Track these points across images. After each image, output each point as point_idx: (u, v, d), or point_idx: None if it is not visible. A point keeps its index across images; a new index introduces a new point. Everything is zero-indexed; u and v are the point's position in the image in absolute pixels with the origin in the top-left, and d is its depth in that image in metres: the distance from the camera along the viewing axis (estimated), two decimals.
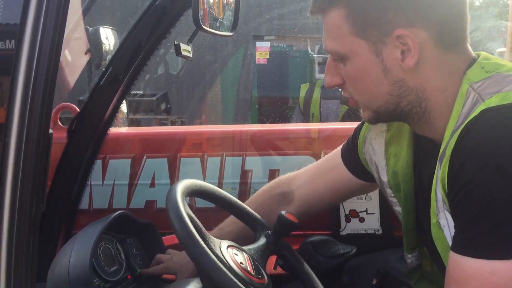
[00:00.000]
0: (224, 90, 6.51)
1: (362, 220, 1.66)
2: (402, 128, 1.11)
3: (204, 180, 1.16)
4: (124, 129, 2.02)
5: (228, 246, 1.03)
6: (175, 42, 1.36)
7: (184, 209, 0.95)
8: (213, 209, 1.42)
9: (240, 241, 1.11)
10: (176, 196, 0.97)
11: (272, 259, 1.54)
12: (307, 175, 1.35)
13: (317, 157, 1.69)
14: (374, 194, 1.63)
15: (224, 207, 1.17)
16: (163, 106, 5.52)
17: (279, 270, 1.39)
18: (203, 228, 1.00)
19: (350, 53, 0.95)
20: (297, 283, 1.37)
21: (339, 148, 1.30)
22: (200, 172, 1.75)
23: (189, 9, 1.29)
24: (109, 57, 1.85)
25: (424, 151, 1.06)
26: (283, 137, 1.80)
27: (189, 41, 1.46)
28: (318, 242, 1.40)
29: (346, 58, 0.96)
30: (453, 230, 0.88)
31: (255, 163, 1.76)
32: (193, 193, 1.08)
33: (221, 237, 1.06)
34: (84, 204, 1.72)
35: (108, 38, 2.23)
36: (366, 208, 1.65)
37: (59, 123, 1.72)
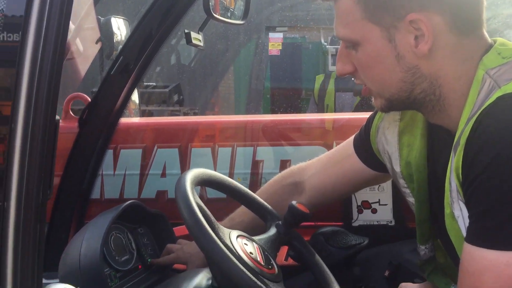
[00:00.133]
0: (237, 81, 6.49)
1: (374, 211, 1.64)
2: (416, 117, 1.08)
3: (215, 171, 1.15)
4: (135, 119, 2.02)
5: (238, 236, 1.02)
6: (186, 31, 1.35)
7: (193, 198, 0.95)
8: (224, 200, 1.41)
9: (251, 231, 1.10)
10: (185, 185, 0.96)
11: (284, 250, 1.53)
12: (319, 165, 1.33)
13: (329, 147, 1.67)
14: (387, 185, 1.61)
15: (234, 197, 1.16)
16: (175, 97, 5.53)
17: (290, 261, 1.38)
18: (212, 218, 0.99)
19: (362, 39, 0.93)
20: (308, 274, 1.36)
21: (351, 138, 1.28)
22: (211, 162, 1.74)
23: None
24: (120, 47, 1.85)
25: (438, 141, 1.04)
26: (295, 127, 1.79)
27: (200, 30, 1.44)
28: (329, 233, 1.38)
29: (358, 44, 0.94)
30: (467, 221, 0.86)
31: (267, 154, 1.75)
32: (202, 183, 1.07)
33: (232, 227, 1.05)
34: (95, 194, 1.72)
35: (120, 28, 2.23)
36: (379, 199, 1.63)
37: (71, 113, 1.73)
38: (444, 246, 1.11)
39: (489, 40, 0.95)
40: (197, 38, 1.39)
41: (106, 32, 1.97)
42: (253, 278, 0.88)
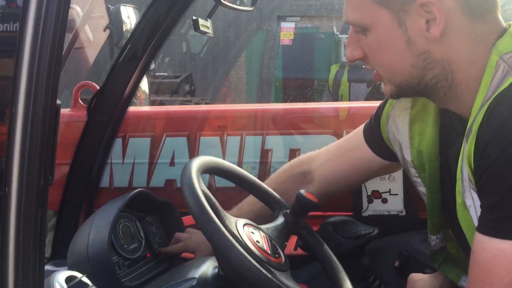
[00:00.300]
0: (248, 71, 6.47)
1: (385, 201, 1.62)
2: (428, 104, 1.05)
3: (224, 160, 1.14)
4: (143, 108, 2.01)
5: (244, 224, 1.01)
6: (194, 17, 1.33)
7: (198, 186, 0.94)
8: (233, 189, 1.40)
9: (259, 221, 1.09)
10: (191, 173, 0.95)
11: (293, 239, 1.51)
12: (328, 154, 1.31)
13: (339, 136, 1.65)
14: (398, 174, 1.58)
15: (241, 185, 1.15)
16: (187, 87, 5.53)
17: (300, 251, 1.37)
18: (218, 206, 0.98)
19: (371, 24, 0.91)
20: (317, 264, 1.35)
21: (361, 126, 1.25)
22: (220, 151, 1.73)
23: None
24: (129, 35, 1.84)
25: (450, 128, 1.01)
26: (304, 116, 1.76)
27: (208, 17, 1.42)
28: (338, 222, 1.36)
29: (368, 29, 0.92)
30: (479, 210, 0.84)
31: (276, 143, 1.73)
32: (209, 170, 1.06)
33: (240, 216, 1.04)
34: (104, 183, 1.73)
35: (130, 17, 2.22)
36: (389, 189, 1.61)
37: (80, 101, 1.73)
38: (455, 237, 1.09)
39: (504, 24, 0.92)
40: (205, 25, 1.38)
41: (115, 20, 1.97)
42: (259, 267, 0.87)
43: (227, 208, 1.30)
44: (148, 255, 1.40)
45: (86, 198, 1.62)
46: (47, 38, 0.62)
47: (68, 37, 1.51)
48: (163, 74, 5.57)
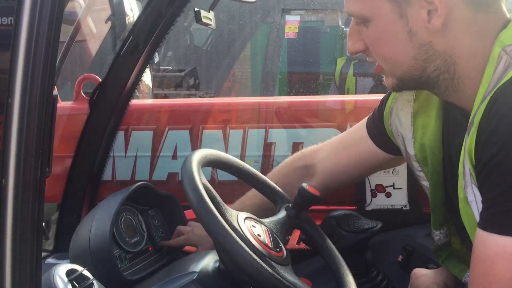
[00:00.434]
0: (252, 64, 6.45)
1: (388, 195, 1.60)
2: (431, 97, 1.04)
3: (226, 153, 1.13)
4: (146, 101, 2.01)
5: (246, 218, 1.00)
6: (195, 9, 1.32)
7: (199, 179, 0.93)
8: (236, 183, 1.39)
9: (261, 215, 1.08)
10: (191, 166, 0.94)
11: (296, 233, 1.51)
12: (331, 147, 1.30)
13: (342, 129, 1.63)
14: (402, 168, 1.57)
15: (243, 178, 1.14)
16: (191, 81, 5.51)
17: (303, 245, 1.36)
18: (219, 199, 0.97)
19: (372, 15, 0.89)
20: (319, 258, 1.34)
21: (364, 120, 1.24)
22: (222, 145, 1.72)
23: None
24: None
25: (453, 122, 1.00)
26: (307, 109, 1.75)
27: (210, 8, 1.41)
28: (341, 216, 1.35)
29: (369, 20, 0.90)
30: (480, 206, 0.83)
31: (279, 136, 1.72)
32: (210, 163, 1.05)
33: (242, 210, 1.03)
34: (107, 176, 1.72)
35: (133, 9, 2.21)
36: (393, 183, 1.59)
37: (82, 94, 1.72)
38: (458, 232, 1.07)
39: (508, 15, 0.90)
40: (207, 16, 1.36)
41: (118, 12, 1.96)
42: (259, 261, 0.86)
43: (230, 201, 1.30)
44: (150, 248, 1.40)
45: (88, 191, 1.62)
46: (43, 27, 0.61)
47: (70, 29, 1.50)
48: (167, 67, 5.55)
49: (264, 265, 0.86)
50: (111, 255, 1.22)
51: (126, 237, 1.33)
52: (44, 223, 1.70)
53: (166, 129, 1.74)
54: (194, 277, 1.03)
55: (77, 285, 0.97)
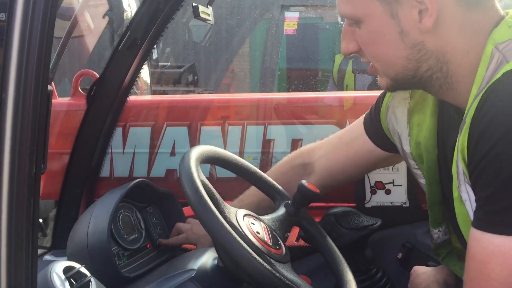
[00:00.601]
0: (251, 61, 6.43)
1: (388, 192, 1.60)
2: (426, 95, 1.03)
3: (225, 149, 1.11)
4: (144, 97, 1.99)
5: (244, 215, 0.99)
6: (194, 4, 1.31)
7: (197, 175, 0.92)
8: (235, 179, 1.38)
9: (260, 213, 1.07)
10: (189, 162, 0.93)
11: (295, 230, 1.50)
12: (328, 146, 1.29)
13: (341, 126, 1.62)
14: (402, 165, 1.56)
15: (242, 175, 1.13)
16: (190, 78, 5.49)
17: (302, 242, 1.35)
18: (218, 196, 0.96)
19: (364, 16, 0.89)
20: (318, 255, 1.33)
21: (362, 117, 1.24)
22: (221, 141, 1.71)
23: None
24: None
25: (448, 120, 0.99)
26: (307, 106, 1.74)
27: (209, 4, 1.40)
28: (340, 213, 1.35)
29: (361, 21, 0.90)
30: (474, 205, 0.82)
31: (278, 132, 1.71)
32: (208, 160, 1.04)
33: (240, 208, 1.02)
34: (105, 172, 1.71)
35: (130, 4, 2.20)
36: (393, 180, 1.58)
37: (80, 90, 1.71)
38: (454, 231, 1.07)
39: (501, 12, 0.89)
40: (205, 12, 1.35)
41: (115, 7, 1.94)
42: (258, 259, 0.85)
43: (230, 199, 1.29)
44: (148, 245, 1.39)
45: (86, 188, 1.61)
46: (36, 21, 0.60)
47: (67, 25, 1.49)
48: (165, 63, 5.53)
49: (263, 262, 0.85)
50: (109, 252, 1.21)
51: (124, 234, 1.32)
52: (41, 220, 1.70)
53: (164, 125, 1.73)
54: (193, 275, 1.02)
55: (74, 283, 0.96)
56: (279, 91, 5.77)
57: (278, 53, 5.65)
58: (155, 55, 4.87)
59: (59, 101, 1.78)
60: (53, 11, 0.61)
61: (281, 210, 1.10)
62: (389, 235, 1.52)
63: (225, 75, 6.15)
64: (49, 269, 0.96)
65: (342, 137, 1.28)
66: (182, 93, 5.11)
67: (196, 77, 5.68)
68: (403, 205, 1.59)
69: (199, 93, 5.31)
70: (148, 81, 2.54)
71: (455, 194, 0.88)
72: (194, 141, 1.71)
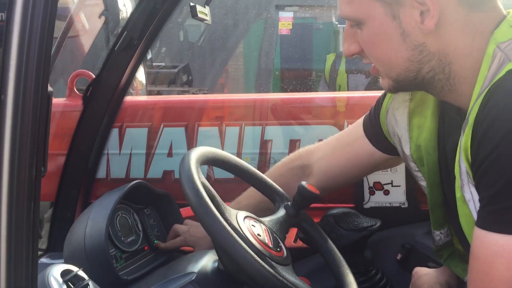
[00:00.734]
0: (245, 61, 6.43)
1: (387, 192, 1.59)
2: (427, 97, 1.03)
3: (223, 150, 1.10)
4: (141, 98, 1.98)
5: (245, 217, 0.98)
6: (191, 4, 1.30)
7: (198, 178, 0.90)
8: (233, 180, 1.37)
9: (258, 214, 1.06)
10: (189, 164, 0.92)
11: (293, 231, 1.49)
12: (327, 148, 1.28)
13: (340, 127, 1.62)
14: (400, 166, 1.56)
15: (241, 176, 1.12)
16: (184, 78, 5.48)
17: (300, 243, 1.34)
18: (218, 198, 0.95)
19: (366, 17, 0.89)
20: (316, 257, 1.32)
21: (361, 119, 1.23)
22: (219, 142, 1.70)
23: None
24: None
25: (449, 121, 0.99)
26: (305, 106, 1.73)
27: (206, 4, 1.39)
28: (340, 214, 1.34)
29: (362, 23, 0.90)
30: (478, 204, 0.82)
31: (276, 133, 1.70)
32: (208, 161, 1.03)
33: (239, 210, 1.01)
34: (101, 173, 1.70)
35: (126, 4, 2.18)
36: (392, 180, 1.58)
37: (75, 91, 1.69)
38: (456, 232, 1.06)
39: (504, 12, 0.89)
40: (203, 12, 1.34)
41: (111, 7, 1.92)
42: (261, 262, 0.84)
43: (226, 200, 1.27)
44: (146, 248, 1.38)
45: (82, 189, 1.59)
46: (36, 21, 0.58)
47: (63, 25, 1.47)
48: (160, 64, 5.51)
49: (266, 266, 0.84)
50: (106, 255, 1.20)
51: (121, 236, 1.31)
52: None
53: (161, 126, 1.72)
54: (193, 278, 1.01)
55: (72, 286, 0.95)
56: (274, 90, 5.76)
57: (273, 53, 5.64)
58: (149, 55, 4.85)
59: (55, 101, 1.76)
60: (53, 10, 0.60)
61: (281, 212, 1.09)
62: (387, 236, 1.52)
63: (220, 75, 6.13)
64: (47, 273, 0.95)
65: (341, 139, 1.27)
66: (178, 93, 5.09)
67: (190, 77, 5.66)
68: (402, 206, 1.59)
69: (193, 93, 5.29)
70: (144, 81, 2.52)
71: (457, 195, 0.88)
72: (191, 142, 1.70)
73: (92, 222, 1.23)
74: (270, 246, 0.95)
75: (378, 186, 1.59)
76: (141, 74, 2.86)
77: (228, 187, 1.40)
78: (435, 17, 0.84)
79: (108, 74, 1.49)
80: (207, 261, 1.05)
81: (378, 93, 1.24)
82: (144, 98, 2.13)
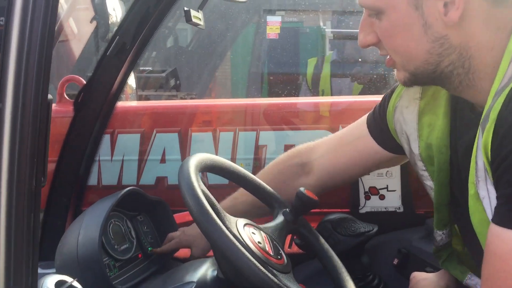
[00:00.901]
0: (233, 65, 6.41)
1: (382, 197, 1.59)
2: (438, 95, 1.02)
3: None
4: (133, 103, 1.96)
5: (245, 225, 0.97)
6: (185, 8, 1.28)
7: (198, 186, 0.89)
8: (227, 186, 1.36)
9: (254, 211, 1.04)
10: (189, 172, 0.91)
11: (288, 237, 1.48)
12: (329, 145, 1.26)
13: (334, 131, 1.61)
14: (396, 170, 1.56)
15: (239, 183, 1.11)
16: (172, 82, 5.44)
17: (295, 248, 1.33)
18: (218, 206, 0.94)
19: (386, 7, 0.87)
20: (313, 262, 1.31)
21: (364, 117, 1.21)
22: (212, 148, 1.68)
23: None
24: (116, 28, 1.77)
25: (461, 120, 0.98)
26: (299, 111, 1.72)
27: (199, 8, 1.37)
28: (337, 220, 1.33)
29: (382, 12, 0.88)
30: (494, 202, 0.81)
31: (270, 138, 1.69)
32: (207, 168, 1.01)
33: (235, 207, 1.00)
34: (93, 180, 1.67)
35: (115, 9, 2.16)
36: (387, 185, 1.58)
37: (66, 96, 1.66)
38: (461, 232, 1.06)
39: None
40: (196, 16, 1.33)
41: (101, 12, 1.90)
42: (264, 270, 0.83)
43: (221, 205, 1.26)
44: (140, 255, 1.35)
45: (73, 196, 1.57)
46: (36, 26, 0.56)
47: None
48: (147, 68, 5.46)
49: (269, 274, 0.83)
50: (100, 264, 1.17)
51: (115, 244, 1.28)
52: None
53: (154, 132, 1.69)
54: (193, 287, 0.99)
55: None
56: (263, 94, 5.74)
57: (261, 58, 5.64)
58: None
59: None
60: (53, 15, 0.58)
61: (280, 218, 1.08)
62: (384, 241, 1.51)
63: (209, 79, 6.11)
64: (40, 284, 0.92)
65: (343, 137, 1.25)
66: (166, 98, 5.06)
67: (178, 82, 5.62)
68: (397, 211, 1.59)
69: (181, 97, 5.25)
70: (134, 86, 2.50)
71: (471, 192, 0.87)
72: (184, 148, 1.68)
73: (84, 231, 1.21)
74: (271, 254, 0.94)
75: (373, 191, 1.59)
76: (131, 79, 2.83)
77: (223, 193, 1.39)
78: (460, 9, 0.83)
79: (100, 79, 1.48)
80: (206, 269, 1.04)
81: (372, 98, 1.23)
82: (136, 103, 2.10)
